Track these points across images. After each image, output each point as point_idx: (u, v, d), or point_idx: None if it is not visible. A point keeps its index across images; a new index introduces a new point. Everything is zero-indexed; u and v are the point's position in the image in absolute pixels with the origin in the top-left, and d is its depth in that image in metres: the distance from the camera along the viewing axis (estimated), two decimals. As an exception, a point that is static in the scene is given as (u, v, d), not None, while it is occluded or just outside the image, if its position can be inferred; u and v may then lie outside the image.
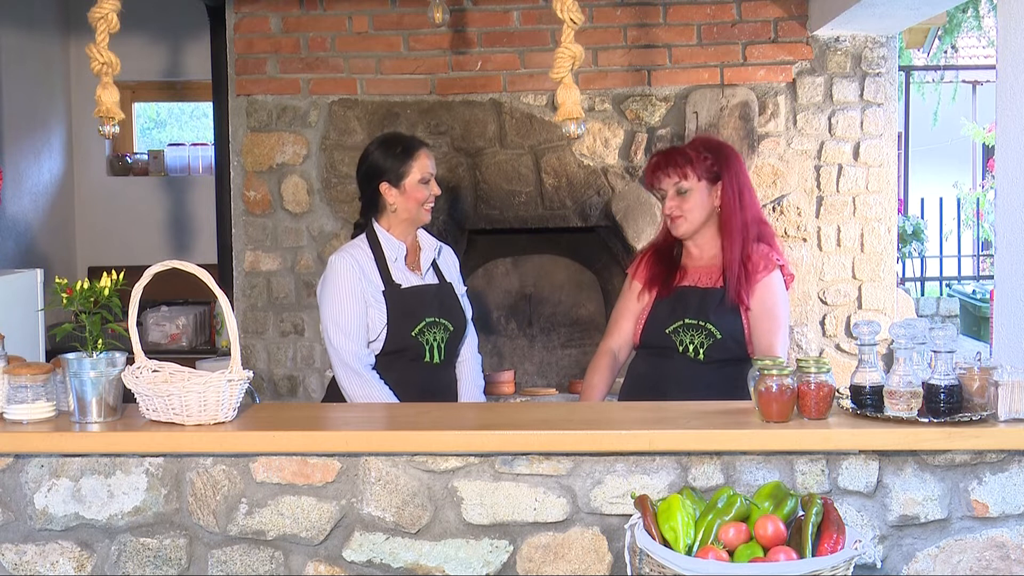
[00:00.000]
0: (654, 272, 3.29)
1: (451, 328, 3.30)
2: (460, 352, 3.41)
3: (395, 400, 3.15)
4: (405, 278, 3.27)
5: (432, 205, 3.30)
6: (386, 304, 3.20)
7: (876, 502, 2.37)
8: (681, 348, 3.15)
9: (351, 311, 3.17)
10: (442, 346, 3.27)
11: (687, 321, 3.15)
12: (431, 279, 3.34)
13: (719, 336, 3.12)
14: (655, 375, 3.21)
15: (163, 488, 2.41)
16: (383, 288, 3.22)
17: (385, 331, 3.20)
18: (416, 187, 3.24)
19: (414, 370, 3.24)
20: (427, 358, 3.25)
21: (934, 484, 2.37)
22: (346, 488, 2.39)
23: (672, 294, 3.22)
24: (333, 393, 3.31)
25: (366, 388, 3.14)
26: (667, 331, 3.18)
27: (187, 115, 8.69)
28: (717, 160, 3.18)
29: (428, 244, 3.37)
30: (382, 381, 3.18)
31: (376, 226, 3.29)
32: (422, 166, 3.25)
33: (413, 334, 3.22)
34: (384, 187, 3.25)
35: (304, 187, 5.05)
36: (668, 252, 3.31)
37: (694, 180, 3.17)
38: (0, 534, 2.42)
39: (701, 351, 3.13)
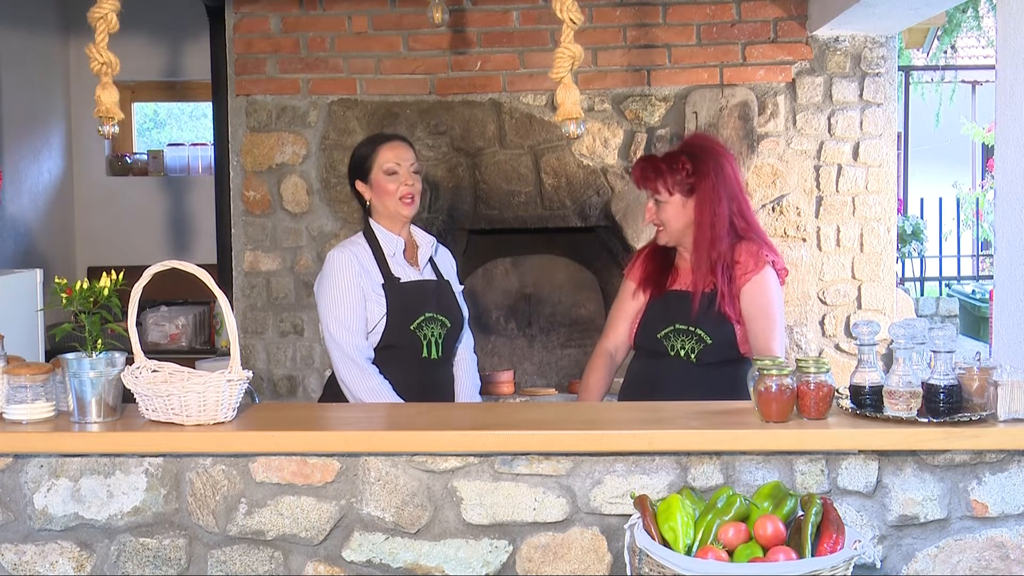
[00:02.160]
0: (648, 272, 3.29)
1: (448, 325, 3.31)
2: (457, 351, 3.41)
3: (394, 394, 3.16)
4: (404, 272, 3.28)
5: (409, 199, 3.25)
6: (385, 297, 3.20)
7: (875, 502, 2.37)
8: (673, 353, 3.16)
9: (350, 305, 3.18)
10: (439, 342, 3.28)
11: (678, 326, 3.15)
12: (429, 275, 3.35)
13: (710, 341, 3.12)
14: (650, 376, 3.22)
15: (162, 488, 2.41)
16: (382, 281, 3.22)
17: (383, 324, 3.20)
18: (382, 179, 3.24)
19: (412, 366, 3.24)
20: (425, 353, 3.25)
21: (933, 484, 2.37)
22: (346, 488, 2.39)
23: (664, 297, 3.23)
24: (331, 391, 3.31)
25: (366, 381, 3.15)
26: (659, 336, 3.19)
27: (186, 115, 8.69)
28: (696, 170, 3.13)
29: (425, 241, 3.38)
30: (381, 375, 3.18)
31: (372, 222, 3.31)
32: (386, 157, 3.24)
33: (411, 328, 3.22)
34: (359, 185, 3.30)
35: (303, 187, 5.05)
36: (665, 252, 3.30)
37: (666, 194, 3.16)
38: (-1, 534, 2.43)
39: (693, 355, 3.13)
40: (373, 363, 3.20)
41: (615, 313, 3.37)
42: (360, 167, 3.29)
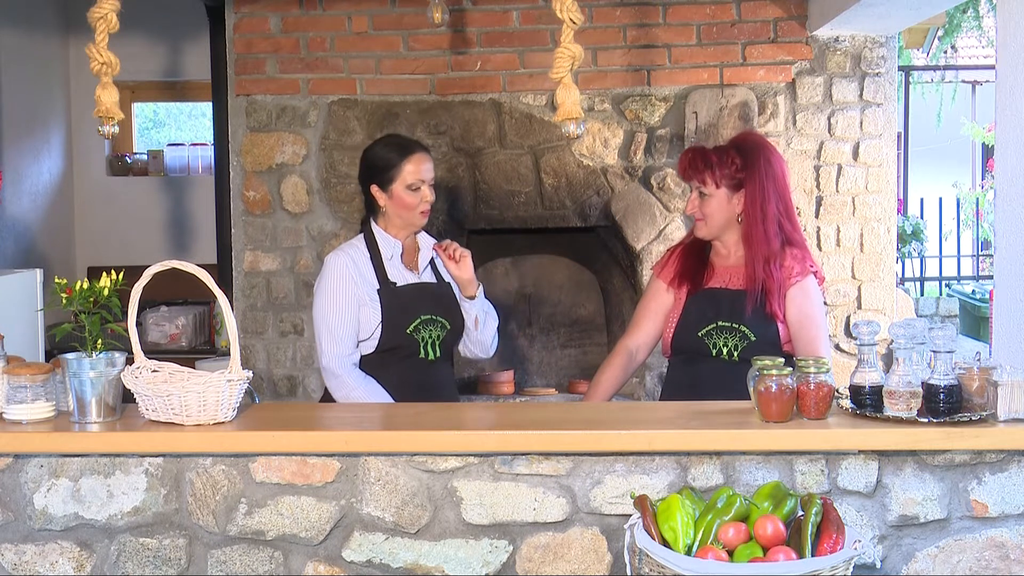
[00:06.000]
0: (681, 270, 3.24)
1: (448, 327, 3.31)
2: (460, 345, 3.42)
3: (378, 391, 3.16)
4: (401, 276, 3.28)
5: (426, 210, 3.27)
6: (381, 302, 3.21)
7: (875, 502, 2.37)
8: (715, 351, 3.10)
9: (340, 313, 3.19)
10: (437, 343, 3.28)
11: (720, 324, 3.10)
12: (428, 278, 3.35)
13: (753, 339, 3.07)
14: (689, 381, 3.15)
15: (162, 488, 2.41)
16: (378, 287, 3.23)
17: (379, 329, 3.21)
18: (404, 193, 3.23)
19: (410, 367, 3.24)
20: (421, 355, 3.25)
21: (933, 484, 2.37)
22: (346, 488, 2.39)
23: (702, 295, 3.17)
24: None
25: (344, 389, 3.16)
26: (699, 334, 3.13)
27: (185, 115, 8.69)
28: (745, 165, 3.11)
29: (427, 244, 3.38)
30: (364, 377, 3.18)
31: (374, 225, 3.31)
32: (411, 172, 3.23)
33: (408, 331, 3.22)
34: (374, 190, 3.27)
35: (303, 187, 5.05)
36: (698, 250, 3.26)
37: (713, 187, 3.13)
38: (-1, 534, 2.43)
39: (736, 353, 3.08)
40: (373, 365, 3.21)
41: (641, 311, 3.32)
42: (380, 173, 3.25)
